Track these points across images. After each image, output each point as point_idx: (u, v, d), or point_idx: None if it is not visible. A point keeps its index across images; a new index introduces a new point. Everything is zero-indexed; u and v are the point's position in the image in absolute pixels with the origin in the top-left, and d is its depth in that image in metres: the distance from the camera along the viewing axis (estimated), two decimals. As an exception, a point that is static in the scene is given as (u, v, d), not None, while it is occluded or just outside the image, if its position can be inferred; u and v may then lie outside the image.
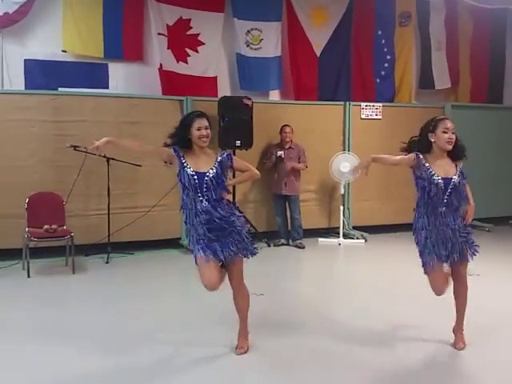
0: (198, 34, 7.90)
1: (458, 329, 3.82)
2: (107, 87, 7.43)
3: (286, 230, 7.51)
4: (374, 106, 8.29)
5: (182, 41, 7.80)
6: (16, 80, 6.96)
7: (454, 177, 3.55)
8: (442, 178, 3.53)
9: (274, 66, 8.32)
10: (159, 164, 6.92)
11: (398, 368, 3.52)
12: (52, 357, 3.61)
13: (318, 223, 7.96)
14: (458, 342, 3.78)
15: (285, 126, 7.34)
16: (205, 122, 3.53)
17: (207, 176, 3.48)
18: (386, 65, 8.95)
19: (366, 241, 7.65)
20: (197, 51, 7.92)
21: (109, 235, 6.50)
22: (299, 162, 7.32)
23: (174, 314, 4.56)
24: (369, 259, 6.77)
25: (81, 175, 6.40)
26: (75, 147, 6.20)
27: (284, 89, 8.43)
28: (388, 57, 8.96)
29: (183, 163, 3.50)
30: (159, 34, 7.66)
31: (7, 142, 6.26)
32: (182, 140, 3.53)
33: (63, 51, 7.14)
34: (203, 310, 4.63)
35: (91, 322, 4.33)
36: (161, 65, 7.62)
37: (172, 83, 7.67)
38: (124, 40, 7.48)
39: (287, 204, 7.45)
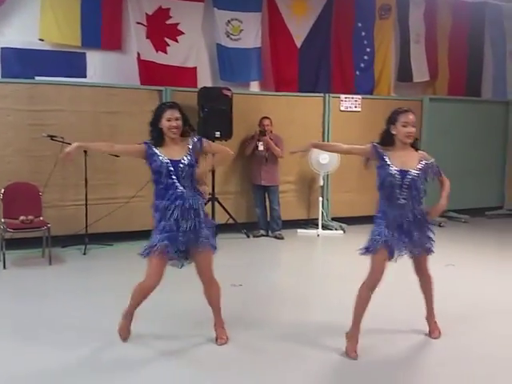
0: (178, 24, 7.83)
1: (430, 319, 3.88)
2: (85, 76, 7.33)
3: (266, 221, 7.54)
4: (353, 98, 8.32)
5: (161, 30, 7.73)
6: (-9, 68, 6.85)
7: (412, 170, 3.47)
8: (399, 170, 3.46)
9: (254, 57, 8.29)
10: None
11: (373, 358, 3.57)
12: (28, 349, 3.58)
13: (297, 214, 8.00)
14: (434, 331, 3.85)
15: (264, 118, 7.33)
16: (176, 114, 3.49)
17: (182, 163, 3.45)
18: (366, 57, 8.99)
19: (344, 232, 7.71)
20: (176, 41, 7.85)
21: (86, 226, 6.44)
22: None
23: (153, 306, 4.54)
24: (346, 250, 6.80)
25: (57, 165, 6.30)
26: (52, 137, 6.12)
27: (264, 80, 8.41)
28: (368, 49, 8.99)
29: (156, 153, 3.48)
30: (138, 23, 7.57)
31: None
32: (154, 130, 3.51)
33: (40, 40, 7.03)
34: (182, 301, 4.63)
35: (68, 314, 4.29)
36: (138, 54, 7.55)
37: (151, 73, 7.59)
38: (102, 29, 7.38)
39: (266, 195, 7.46)
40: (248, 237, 7.31)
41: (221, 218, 7.07)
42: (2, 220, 5.74)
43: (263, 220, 7.51)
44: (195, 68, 7.99)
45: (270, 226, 7.48)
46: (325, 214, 7.96)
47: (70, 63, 7.27)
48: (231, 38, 8.14)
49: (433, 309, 3.87)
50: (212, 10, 7.98)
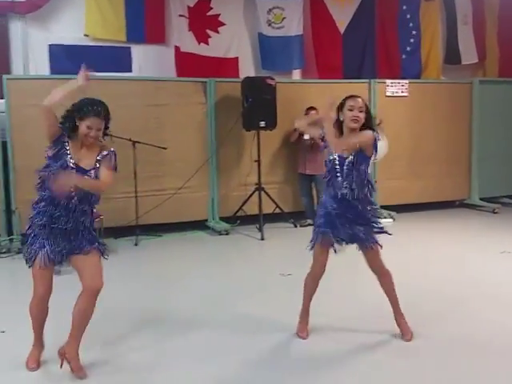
0: (219, 15, 7.85)
1: (399, 320, 3.58)
2: (130, 71, 7.46)
3: (312, 210, 7.46)
4: (399, 82, 8.11)
5: (202, 22, 7.77)
6: (41, 65, 7.04)
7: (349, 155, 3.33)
8: (338, 155, 3.37)
9: (297, 45, 8.23)
10: (185, 147, 7.03)
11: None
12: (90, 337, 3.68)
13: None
14: (406, 333, 3.55)
15: (310, 108, 7.22)
16: (98, 124, 3.07)
17: (88, 175, 3.08)
18: (412, 40, 8.78)
19: (393, 220, 7.58)
20: (218, 32, 7.87)
21: (137, 218, 6.56)
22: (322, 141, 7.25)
23: (208, 293, 4.61)
24: (395, 238, 6.71)
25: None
26: (101, 131, 6.24)
27: (306, 67, 8.34)
28: (414, 32, 8.79)
29: (66, 150, 3.09)
30: (180, 15, 7.63)
31: (34, 127, 6.30)
32: (68, 121, 3.09)
33: (85, 35, 7.19)
34: (231, 290, 4.67)
35: (124, 303, 4.39)
36: (178, 47, 7.60)
37: (192, 65, 7.65)
38: (146, 23, 7.48)
39: (313, 184, 7.41)
40: (295, 226, 7.29)
41: (267, 207, 7.07)
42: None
43: (310, 209, 7.46)
44: (237, 58, 8.00)
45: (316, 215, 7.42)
46: (373, 201, 7.85)
47: (115, 58, 7.41)
48: (273, 27, 8.10)
49: (399, 308, 3.57)
50: (253, 0, 7.95)
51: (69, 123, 3.08)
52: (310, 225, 7.37)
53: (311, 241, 3.54)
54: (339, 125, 3.42)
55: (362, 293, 4.42)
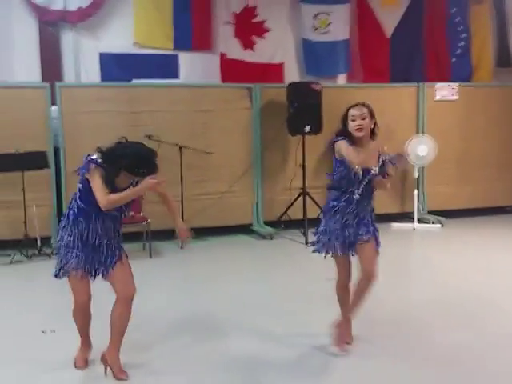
0: (265, 21, 7.90)
1: (348, 324, 3.55)
2: (177, 77, 7.59)
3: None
4: (449, 85, 7.93)
5: (248, 28, 7.84)
6: (92, 73, 7.26)
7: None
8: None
9: (342, 50, 8.19)
10: (230, 151, 7.10)
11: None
12: (133, 337, 3.75)
13: (390, 208, 7.77)
14: (346, 339, 3.51)
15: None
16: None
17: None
18: (462, 43, 8.60)
19: (442, 225, 7.40)
20: (263, 38, 7.92)
21: (183, 221, 6.63)
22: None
23: (253, 298, 4.62)
24: (443, 244, 6.57)
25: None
26: (149, 136, 6.37)
27: (351, 72, 8.29)
28: (463, 35, 8.60)
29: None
30: (226, 22, 7.72)
31: (85, 133, 6.52)
32: (111, 171, 2.98)
33: (135, 43, 7.37)
34: (275, 295, 4.67)
35: (166, 306, 4.46)
36: (224, 53, 7.69)
37: (238, 71, 7.72)
38: (193, 30, 7.61)
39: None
40: (340, 231, 7.20)
41: (312, 212, 7.03)
42: (106, 216, 6.06)
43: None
44: (282, 64, 8.03)
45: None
46: (420, 207, 7.70)
47: (163, 65, 7.58)
48: (319, 32, 8.08)
49: (354, 314, 3.53)
50: (298, 5, 7.97)
51: (111, 171, 2.97)
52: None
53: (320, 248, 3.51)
54: (348, 135, 3.37)
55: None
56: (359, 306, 3.48)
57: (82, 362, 3.31)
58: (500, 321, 3.98)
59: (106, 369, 3.18)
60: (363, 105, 3.38)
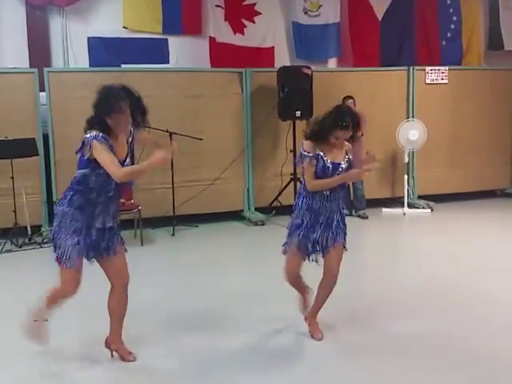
0: (255, 4, 7.82)
1: (314, 319, 3.59)
2: (168, 62, 7.52)
3: (349, 201, 7.42)
4: (439, 69, 7.92)
5: (238, 12, 7.76)
6: (80, 57, 7.17)
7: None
8: (331, 162, 3.36)
9: (333, 33, 8.14)
10: (220, 137, 7.06)
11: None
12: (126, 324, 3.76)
13: (380, 193, 7.81)
14: (317, 333, 3.53)
15: (346, 97, 7.10)
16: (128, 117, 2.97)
17: (125, 164, 3.00)
18: (453, 26, 8.58)
19: (432, 210, 7.45)
20: (253, 22, 7.85)
21: (174, 208, 6.64)
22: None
23: (244, 284, 4.64)
24: (434, 229, 6.61)
25: (145, 150, 6.46)
26: (139, 122, 6.32)
27: (342, 56, 8.25)
28: (454, 18, 8.58)
29: (112, 148, 2.93)
30: (216, 6, 7.63)
31: (75, 119, 6.44)
32: (102, 119, 2.92)
33: (124, 28, 7.28)
34: (267, 280, 4.68)
35: (159, 294, 4.46)
36: (214, 37, 7.61)
37: (228, 55, 7.66)
38: (183, 14, 7.52)
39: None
40: (331, 216, 7.22)
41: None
42: (97, 203, 6.03)
43: (347, 199, 7.39)
44: (273, 48, 7.97)
45: (353, 206, 7.36)
46: (411, 191, 7.73)
47: (152, 50, 7.50)
48: (309, 15, 8.02)
49: (319, 310, 3.56)
50: (289, -13, 7.90)
51: (99, 125, 2.90)
52: (346, 215, 7.31)
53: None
54: (321, 134, 3.35)
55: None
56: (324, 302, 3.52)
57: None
58: (488, 305, 4.01)
59: (112, 353, 3.26)
60: (351, 113, 3.34)
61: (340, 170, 3.38)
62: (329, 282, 3.44)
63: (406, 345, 3.40)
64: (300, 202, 3.47)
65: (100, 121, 2.91)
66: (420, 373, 3.07)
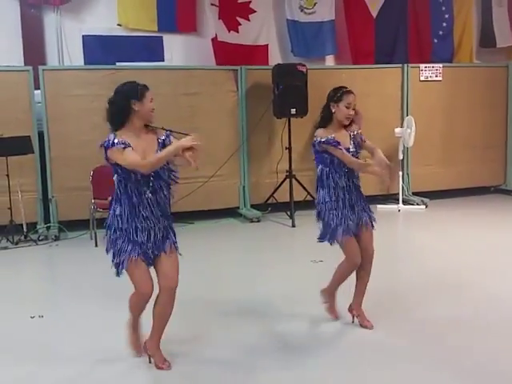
0: (250, 2, 7.83)
1: (360, 308, 3.66)
2: (162, 60, 7.53)
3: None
4: (433, 67, 7.97)
5: (233, 9, 7.77)
6: (75, 56, 7.17)
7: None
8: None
9: (329, 30, 8.16)
10: (216, 135, 7.07)
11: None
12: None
13: (375, 190, 7.82)
14: (367, 322, 3.61)
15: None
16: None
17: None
18: (444, 24, 8.62)
19: (426, 206, 7.49)
20: (248, 19, 7.86)
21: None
22: None
23: (240, 280, 4.66)
24: (428, 225, 6.65)
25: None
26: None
27: (339, 53, 8.27)
28: (446, 15, 8.62)
29: (129, 145, 2.93)
30: (212, 4, 7.64)
31: (70, 117, 6.46)
32: (120, 116, 3.00)
33: (118, 25, 7.28)
34: (262, 277, 4.71)
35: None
36: (216, 35, 7.63)
37: (224, 53, 7.67)
38: (177, 12, 7.52)
39: (344, 171, 7.36)
40: (327, 213, 7.26)
41: (298, 194, 7.08)
42: (93, 201, 6.05)
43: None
44: (267, 45, 7.99)
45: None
46: (405, 188, 7.77)
47: (147, 48, 7.50)
48: (305, 12, 8.04)
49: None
50: (284, -15, 7.90)
51: (118, 115, 2.98)
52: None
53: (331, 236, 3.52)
54: (329, 115, 3.42)
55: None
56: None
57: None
58: (480, 299, 4.06)
59: (149, 358, 3.15)
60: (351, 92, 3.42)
61: (349, 154, 3.43)
62: (367, 261, 3.52)
63: (402, 342, 3.44)
64: (327, 190, 3.47)
65: (122, 108, 2.94)
66: (411, 369, 3.11)
